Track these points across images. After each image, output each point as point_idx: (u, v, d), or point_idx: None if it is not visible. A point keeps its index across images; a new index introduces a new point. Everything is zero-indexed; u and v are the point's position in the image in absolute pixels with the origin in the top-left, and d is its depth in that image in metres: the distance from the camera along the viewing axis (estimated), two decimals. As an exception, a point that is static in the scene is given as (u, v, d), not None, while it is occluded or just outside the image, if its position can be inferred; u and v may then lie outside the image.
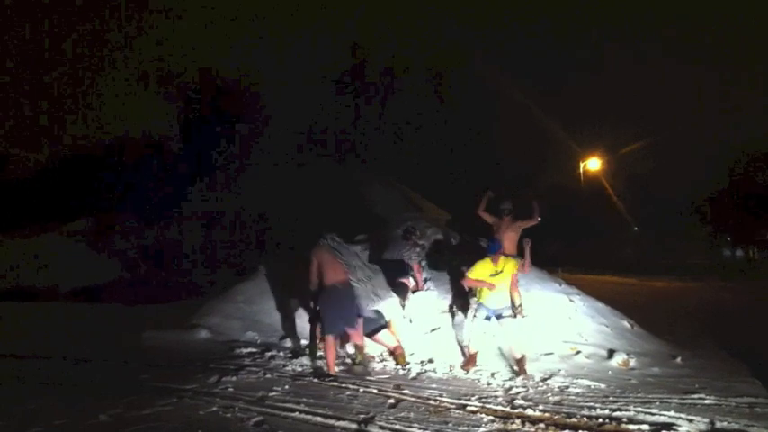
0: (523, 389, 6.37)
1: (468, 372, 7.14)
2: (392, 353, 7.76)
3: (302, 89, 30.12)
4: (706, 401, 5.91)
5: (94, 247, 22.60)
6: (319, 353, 7.86)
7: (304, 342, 8.67)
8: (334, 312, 7.12)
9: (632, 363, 7.72)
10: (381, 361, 7.71)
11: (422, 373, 7.09)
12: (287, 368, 7.18)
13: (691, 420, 5.16)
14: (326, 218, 13.47)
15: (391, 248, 9.38)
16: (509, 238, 8.65)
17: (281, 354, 8.02)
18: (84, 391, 5.94)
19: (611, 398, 6.02)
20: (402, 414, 5.27)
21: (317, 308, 7.44)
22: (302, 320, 8.91)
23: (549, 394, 6.15)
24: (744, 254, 42.82)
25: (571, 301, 9.49)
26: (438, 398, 5.89)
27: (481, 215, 9.02)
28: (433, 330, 8.52)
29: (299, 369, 7.17)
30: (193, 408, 5.28)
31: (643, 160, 43.63)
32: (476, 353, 7.43)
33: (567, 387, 6.45)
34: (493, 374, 7.02)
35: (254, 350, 8.24)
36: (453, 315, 8.85)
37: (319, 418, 5.04)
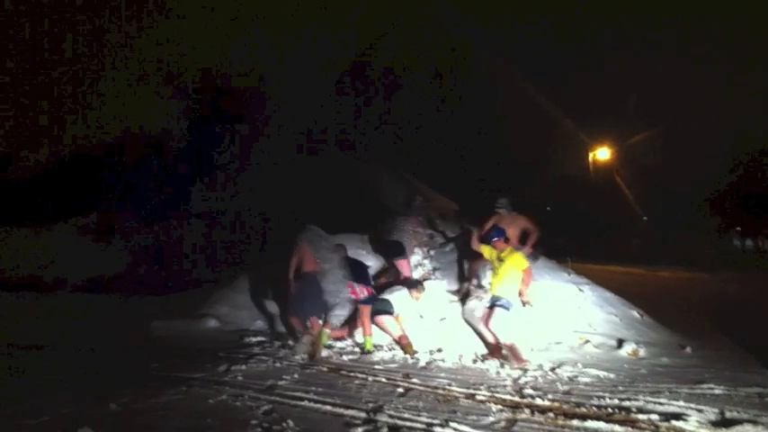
0: (532, 378, 6.35)
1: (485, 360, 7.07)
2: (398, 342, 7.77)
3: (304, 88, 30.08)
4: (715, 391, 5.88)
5: (102, 241, 22.70)
6: (329, 341, 7.91)
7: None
8: (307, 299, 7.74)
9: (641, 353, 7.69)
10: (390, 350, 7.71)
11: (431, 362, 7.08)
12: (296, 357, 7.19)
13: (700, 410, 5.13)
14: (330, 210, 13.50)
15: (394, 230, 9.42)
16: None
17: (290, 342, 8.04)
18: (93, 381, 5.97)
19: (620, 387, 6.00)
20: (411, 403, 5.26)
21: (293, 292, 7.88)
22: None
23: (558, 384, 6.13)
24: (753, 244, 42.60)
25: (580, 291, 9.46)
26: (447, 387, 5.88)
27: (478, 249, 8.32)
28: (442, 320, 8.51)
29: (308, 358, 7.18)
30: (203, 396, 5.30)
31: (653, 151, 43.35)
32: (511, 344, 7.16)
33: (577, 377, 6.43)
34: (502, 364, 7.00)
35: (263, 339, 8.28)
36: (462, 304, 8.84)
37: (328, 407, 5.05)
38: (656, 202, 45.56)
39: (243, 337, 8.46)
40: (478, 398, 5.49)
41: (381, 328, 7.95)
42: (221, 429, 4.39)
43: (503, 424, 4.68)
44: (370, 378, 6.21)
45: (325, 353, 7.46)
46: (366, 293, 7.84)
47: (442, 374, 6.48)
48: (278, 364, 6.75)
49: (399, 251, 9.28)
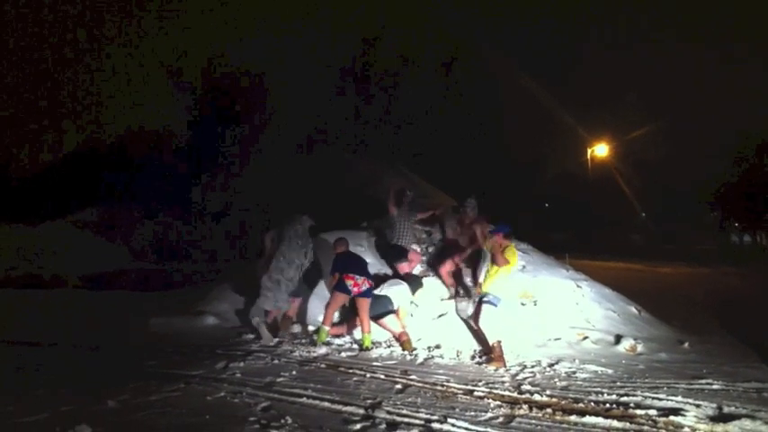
0: (531, 374, 6.36)
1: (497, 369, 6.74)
2: (398, 339, 7.76)
3: (307, 83, 30.05)
4: (714, 387, 5.89)
5: (102, 237, 22.72)
6: (327, 338, 7.91)
7: (311, 328, 8.72)
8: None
9: (640, 348, 7.70)
10: (389, 347, 7.71)
11: (429, 358, 7.08)
12: (294, 354, 7.20)
13: (698, 405, 5.14)
14: (329, 207, 13.50)
15: (391, 231, 9.43)
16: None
17: (288, 339, 8.05)
18: (92, 378, 5.97)
19: (618, 383, 6.01)
20: (409, 399, 5.27)
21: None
22: (307, 306, 8.95)
23: (557, 380, 6.14)
24: (752, 240, 42.66)
25: (578, 286, 9.46)
26: (445, 383, 5.89)
27: (483, 246, 7.99)
28: (440, 316, 8.51)
29: (306, 355, 7.18)
30: (201, 393, 5.29)
31: (653, 147, 43.39)
32: (496, 343, 7.00)
33: (575, 372, 6.45)
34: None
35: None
36: (457, 301, 8.83)
37: (326, 404, 5.05)
38: (655, 197, 45.64)
39: (241, 333, 8.46)
40: (477, 394, 5.50)
41: (383, 327, 7.95)
42: (220, 426, 4.38)
43: (501, 420, 4.69)
44: (369, 374, 6.22)
45: (323, 350, 7.45)
46: (367, 285, 7.81)
47: (441, 371, 6.48)
48: (276, 361, 6.74)
49: (401, 253, 9.26)
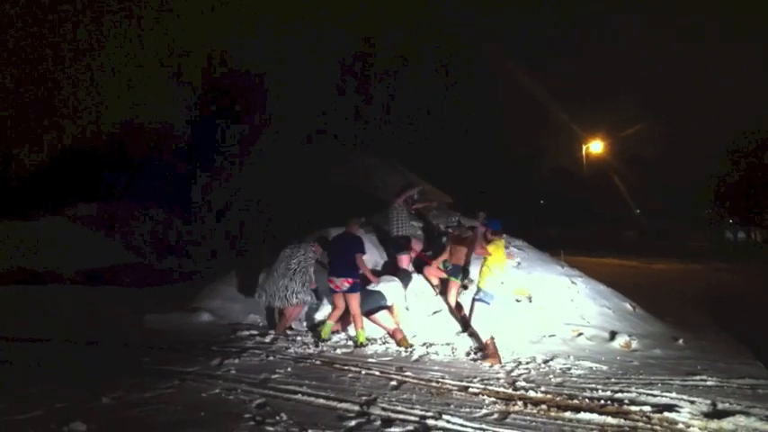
0: (525, 371, 6.37)
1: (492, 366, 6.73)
2: (392, 336, 7.76)
3: (308, 81, 30.04)
4: (708, 383, 5.91)
5: (100, 232, 22.66)
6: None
7: (304, 324, 8.74)
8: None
9: (634, 344, 7.72)
10: (384, 343, 7.71)
11: (424, 355, 7.09)
12: (289, 351, 7.19)
13: (692, 402, 5.16)
14: (329, 203, 13.49)
15: (389, 224, 9.44)
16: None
17: (283, 336, 8.04)
18: (87, 374, 5.95)
19: (613, 379, 6.03)
20: (404, 396, 5.27)
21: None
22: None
23: (551, 376, 6.15)
24: (746, 236, 42.81)
25: (573, 283, 9.47)
26: (440, 380, 5.90)
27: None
28: (435, 313, 8.51)
29: (302, 351, 7.18)
30: (196, 390, 5.28)
31: (650, 144, 43.54)
32: (489, 341, 7.00)
33: (569, 369, 6.46)
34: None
35: (255, 333, 8.26)
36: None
37: (322, 400, 5.05)
38: (653, 194, 45.74)
39: (236, 330, 8.45)
40: (471, 390, 5.50)
41: (376, 323, 7.94)
42: (215, 423, 4.37)
43: (496, 416, 4.69)
44: (364, 371, 6.22)
45: (320, 347, 7.46)
46: (347, 285, 7.81)
47: (436, 367, 6.49)
48: (271, 358, 6.74)
49: (402, 244, 9.27)
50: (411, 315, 8.41)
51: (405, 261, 9.08)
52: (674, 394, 5.38)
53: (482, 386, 5.66)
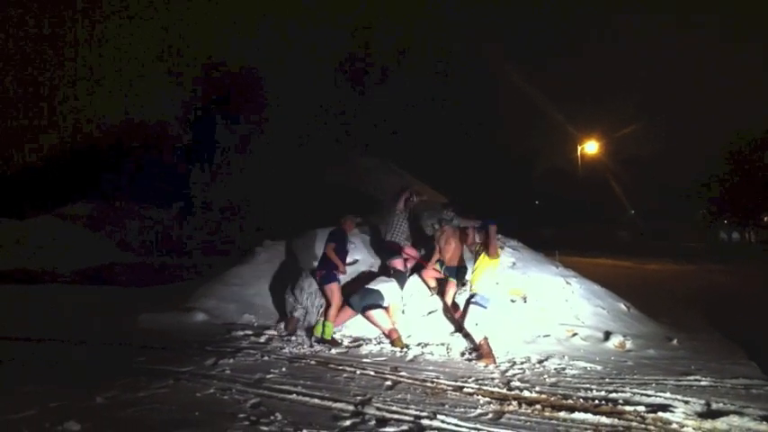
0: (520, 371, 6.38)
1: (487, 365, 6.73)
2: (387, 336, 7.76)
3: (304, 78, 30.06)
4: (702, 383, 5.93)
5: (94, 231, 22.61)
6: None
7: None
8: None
9: (628, 345, 7.74)
10: (378, 343, 7.71)
11: (419, 355, 7.08)
12: (284, 350, 7.19)
13: (686, 402, 5.18)
14: (324, 203, 13.48)
15: (386, 226, 9.43)
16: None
17: (278, 336, 8.04)
18: (81, 374, 5.94)
19: (607, 379, 6.04)
20: (399, 396, 5.27)
21: None
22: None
23: (546, 376, 6.16)
24: (740, 237, 42.94)
25: (568, 283, 9.49)
26: (435, 380, 5.90)
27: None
28: (430, 313, 8.51)
29: (296, 351, 7.17)
30: (190, 390, 5.28)
31: (647, 143, 43.64)
32: (483, 341, 7.00)
33: (564, 369, 6.47)
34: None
35: (250, 333, 8.25)
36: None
37: (316, 400, 5.05)
38: (647, 194, 45.82)
39: (231, 330, 8.43)
40: (466, 390, 5.51)
41: (372, 322, 7.95)
42: (209, 422, 4.37)
43: (490, 416, 4.70)
44: (359, 371, 6.22)
45: (317, 347, 7.46)
46: (318, 276, 8.22)
47: (430, 367, 6.49)
48: (266, 358, 6.73)
49: (394, 249, 9.26)
50: (406, 315, 8.41)
51: (398, 264, 9.08)
52: (668, 394, 5.40)
53: (477, 386, 5.67)
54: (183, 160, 26.75)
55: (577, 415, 4.71)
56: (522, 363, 6.77)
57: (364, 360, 6.81)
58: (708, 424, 4.59)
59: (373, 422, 4.48)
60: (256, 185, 22.73)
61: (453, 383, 5.75)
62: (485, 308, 7.00)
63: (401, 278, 8.56)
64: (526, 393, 5.42)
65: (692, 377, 6.15)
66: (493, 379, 6.02)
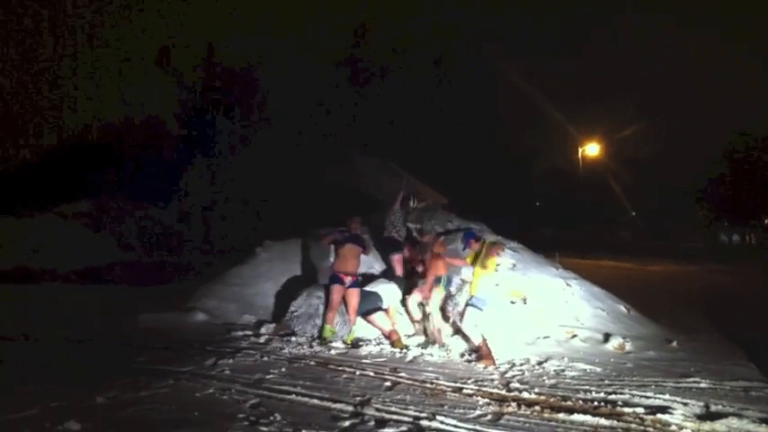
0: (519, 372, 6.38)
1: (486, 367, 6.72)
2: (387, 337, 7.76)
3: (302, 76, 30.01)
4: (701, 385, 5.94)
5: (93, 229, 22.57)
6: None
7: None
8: None
9: (628, 346, 7.74)
10: (378, 344, 7.71)
11: (418, 356, 7.09)
12: (284, 351, 7.19)
13: (686, 404, 5.18)
14: (322, 203, 13.49)
15: (385, 224, 9.47)
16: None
17: (278, 336, 8.04)
18: (81, 374, 5.94)
19: (606, 381, 6.05)
20: (398, 397, 5.28)
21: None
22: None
23: (545, 378, 6.16)
24: (740, 238, 42.90)
25: (568, 285, 9.49)
26: (434, 381, 5.91)
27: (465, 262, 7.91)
28: (429, 315, 8.50)
29: (296, 352, 7.18)
30: (190, 390, 5.28)
31: (647, 144, 43.59)
32: (481, 343, 6.98)
33: (563, 370, 6.47)
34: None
35: (250, 333, 8.26)
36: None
37: (316, 401, 5.05)
38: (645, 195, 45.75)
39: (231, 330, 8.44)
40: (465, 391, 5.51)
41: (373, 324, 7.96)
42: (209, 422, 4.37)
43: (489, 417, 4.70)
44: (358, 372, 6.22)
45: (317, 347, 7.46)
46: (350, 280, 8.08)
47: (430, 368, 6.50)
48: (265, 358, 6.73)
49: (395, 247, 9.28)
50: (405, 317, 8.41)
51: (398, 266, 9.09)
52: (667, 396, 5.41)
53: (476, 387, 5.68)
54: (182, 159, 26.71)
55: (576, 416, 4.71)
56: (521, 364, 6.77)
57: (364, 361, 6.82)
58: (707, 426, 4.59)
59: (372, 423, 4.48)
60: (256, 185, 22.72)
61: (452, 384, 5.76)
62: (481, 310, 7.01)
63: (400, 281, 8.60)
64: (525, 395, 5.43)
65: (691, 379, 6.15)
66: (492, 380, 6.03)
